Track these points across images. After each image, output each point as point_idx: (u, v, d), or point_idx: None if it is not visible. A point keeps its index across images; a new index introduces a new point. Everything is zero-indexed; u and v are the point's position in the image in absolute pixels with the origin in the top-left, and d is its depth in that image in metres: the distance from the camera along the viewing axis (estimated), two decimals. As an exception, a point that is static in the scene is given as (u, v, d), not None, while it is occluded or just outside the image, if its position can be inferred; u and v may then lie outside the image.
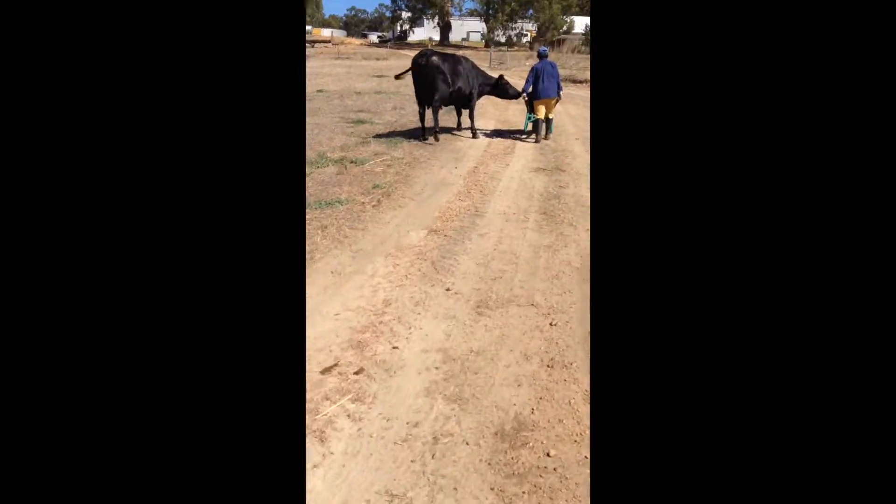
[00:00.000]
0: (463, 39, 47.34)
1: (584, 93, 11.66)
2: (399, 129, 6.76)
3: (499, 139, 6.27)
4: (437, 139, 5.99)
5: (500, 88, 6.69)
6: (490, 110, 8.83)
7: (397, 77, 6.90)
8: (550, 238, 3.14)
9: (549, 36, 32.45)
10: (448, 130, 6.65)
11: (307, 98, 9.24)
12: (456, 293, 2.43)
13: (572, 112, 8.74)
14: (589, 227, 3.23)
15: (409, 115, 8.19)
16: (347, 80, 13.25)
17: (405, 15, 43.40)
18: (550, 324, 2.19)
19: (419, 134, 6.18)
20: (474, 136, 6.42)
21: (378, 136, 6.18)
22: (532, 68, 6.17)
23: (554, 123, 6.58)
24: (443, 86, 5.94)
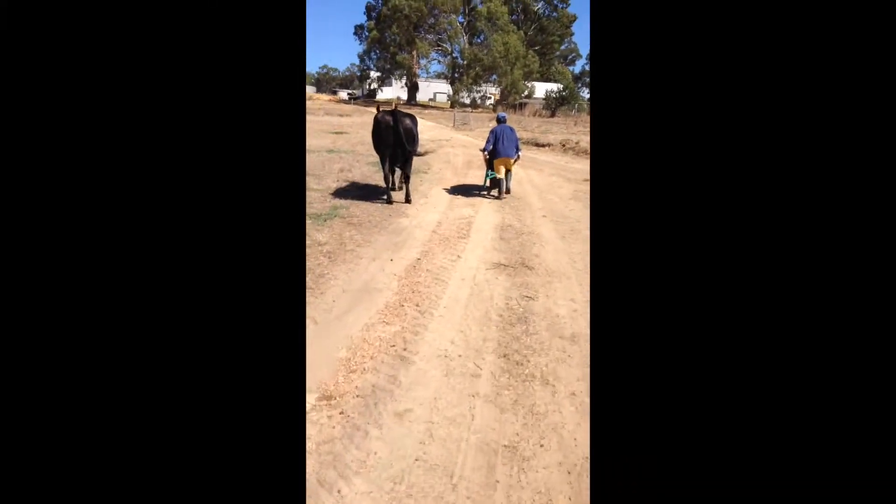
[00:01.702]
0: (430, 100, 48.58)
1: (547, 157, 11.09)
2: (338, 198, 5.65)
3: (457, 200, 5.27)
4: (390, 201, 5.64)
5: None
6: (448, 175, 7.93)
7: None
8: (514, 420, 1.88)
9: (511, 99, 33.46)
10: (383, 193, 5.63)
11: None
12: None
13: (536, 180, 7.92)
14: (573, 388, 2.07)
15: (355, 177, 7.15)
16: (311, 136, 12.24)
17: (374, 74, 44.29)
18: None
19: (363, 201, 5.29)
20: (408, 200, 5.88)
21: (309, 207, 5.03)
22: (491, 130, 6.41)
23: (515, 193, 6.67)
24: (410, 143, 5.53)
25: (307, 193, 5.73)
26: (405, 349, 2.40)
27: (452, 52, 38.05)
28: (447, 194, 6.51)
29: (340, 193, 5.95)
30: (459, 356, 2.36)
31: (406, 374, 2.19)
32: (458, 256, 3.89)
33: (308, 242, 3.91)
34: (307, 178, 6.71)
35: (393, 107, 5.69)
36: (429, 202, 5.93)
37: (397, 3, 34.08)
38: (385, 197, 5.68)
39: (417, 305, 2.91)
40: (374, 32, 37.90)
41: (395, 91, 47.60)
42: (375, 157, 8.86)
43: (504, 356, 2.38)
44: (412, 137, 5.65)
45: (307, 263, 3.46)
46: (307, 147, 10.03)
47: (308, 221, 4.54)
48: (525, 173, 8.76)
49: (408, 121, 5.62)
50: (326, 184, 6.53)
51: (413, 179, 7.34)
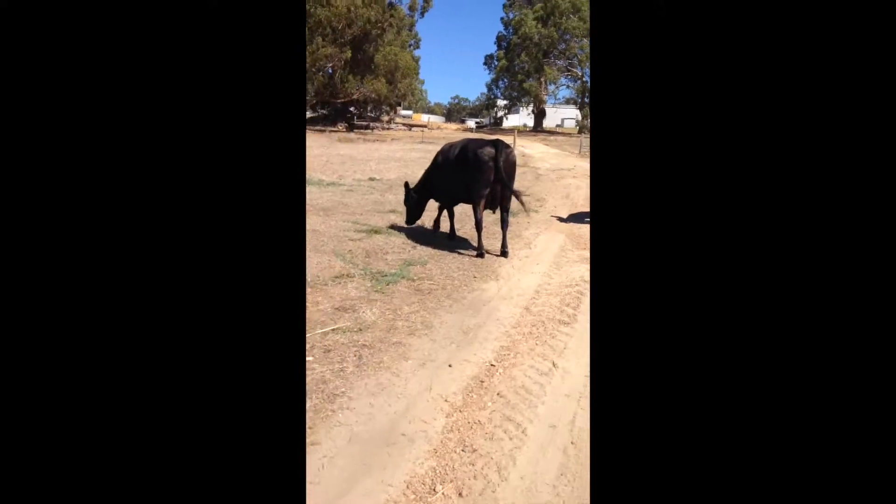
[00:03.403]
0: (557, 126, 46.90)
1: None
2: (421, 246, 4.67)
3: (570, 254, 3.88)
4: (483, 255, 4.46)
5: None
6: (563, 214, 6.47)
7: None
8: None
9: (651, 122, 30.09)
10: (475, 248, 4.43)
11: (335, 187, 7.90)
12: None
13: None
14: None
15: (445, 222, 6.17)
16: (416, 166, 11.77)
17: (501, 102, 44.44)
18: None
19: (450, 252, 4.29)
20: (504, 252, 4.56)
21: (374, 259, 4.13)
22: None
23: None
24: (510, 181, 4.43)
25: (383, 241, 4.88)
26: None
27: (582, 76, 36.17)
28: (557, 243, 5.10)
29: (427, 240, 4.98)
30: None
31: None
32: (554, 364, 2.51)
33: (349, 324, 2.91)
34: (396, 216, 5.93)
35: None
36: (531, 255, 4.61)
37: (528, 31, 33.68)
38: (476, 251, 4.52)
39: (461, 493, 1.65)
40: (503, 61, 38.02)
41: (521, 118, 47.12)
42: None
43: None
44: (512, 174, 4.46)
45: (319, 371, 2.43)
46: (392, 180, 9.49)
47: (367, 284, 3.59)
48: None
49: (512, 153, 4.46)
50: (412, 228, 5.65)
51: (519, 220, 6.11)
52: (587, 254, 4.69)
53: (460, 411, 2.10)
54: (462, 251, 4.63)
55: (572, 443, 1.88)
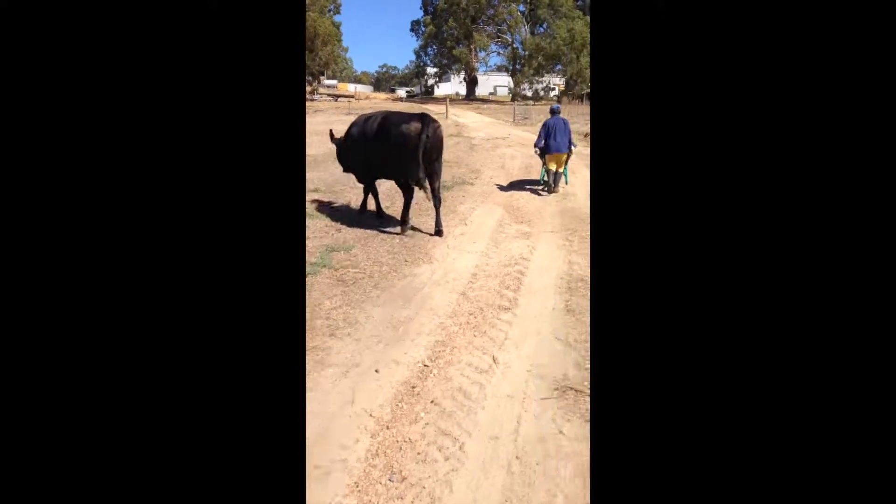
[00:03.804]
0: (490, 94, 46.67)
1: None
2: (346, 227, 4.21)
3: (508, 229, 3.62)
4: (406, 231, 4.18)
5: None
6: (500, 185, 6.25)
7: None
8: None
9: (577, 90, 30.73)
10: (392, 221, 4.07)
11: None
12: None
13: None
14: None
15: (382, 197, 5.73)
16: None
17: (431, 70, 43.26)
18: None
19: (381, 232, 3.84)
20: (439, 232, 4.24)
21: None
22: (543, 124, 6.15)
23: (568, 178, 6.34)
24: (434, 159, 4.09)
25: (308, 223, 4.37)
26: None
27: (513, 42, 35.94)
28: (495, 217, 4.87)
29: (353, 222, 4.53)
30: None
31: None
32: (494, 360, 2.27)
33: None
34: (310, 196, 5.40)
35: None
36: (467, 233, 4.34)
37: (454, -6, 32.60)
38: (400, 230, 4.16)
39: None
40: (431, 27, 36.74)
41: (453, 86, 46.36)
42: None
43: None
44: (439, 151, 4.10)
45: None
46: (314, 155, 8.85)
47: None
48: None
49: (439, 128, 4.07)
50: (337, 208, 5.16)
51: (454, 194, 5.80)
52: (527, 228, 4.51)
53: (388, 428, 1.79)
54: (392, 231, 4.25)
55: (517, 457, 1.64)
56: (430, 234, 4.17)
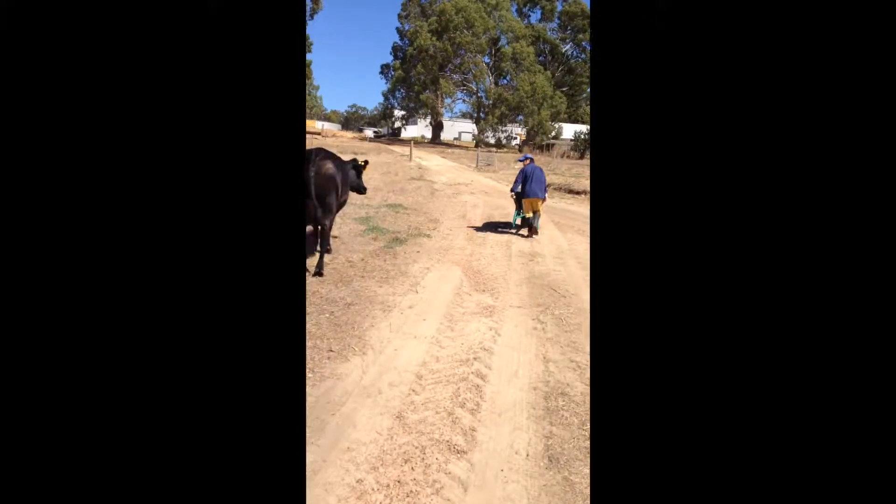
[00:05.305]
0: (455, 139, 47.45)
1: (585, 209, 8.65)
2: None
3: (467, 300, 2.84)
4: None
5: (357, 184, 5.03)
6: (459, 241, 5.51)
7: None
8: None
9: (538, 140, 31.56)
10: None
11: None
12: None
13: (583, 255, 5.44)
14: None
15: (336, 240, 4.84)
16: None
17: (398, 113, 43.64)
18: None
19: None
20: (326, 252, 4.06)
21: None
22: (521, 170, 6.32)
23: (562, 280, 5.00)
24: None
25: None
26: None
27: (478, 91, 36.92)
28: (452, 282, 4.08)
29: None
30: None
31: None
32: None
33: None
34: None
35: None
36: (417, 305, 3.51)
37: (423, 43, 33.35)
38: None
39: None
40: (399, 72, 37.29)
41: (419, 129, 46.88)
42: (361, 213, 6.70)
43: None
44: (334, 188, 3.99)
45: None
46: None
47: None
48: (566, 239, 6.31)
49: (326, 165, 3.99)
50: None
51: (407, 249, 5.01)
52: (489, 299, 3.74)
53: None
54: (329, 297, 3.36)
55: None
56: (371, 300, 3.31)
